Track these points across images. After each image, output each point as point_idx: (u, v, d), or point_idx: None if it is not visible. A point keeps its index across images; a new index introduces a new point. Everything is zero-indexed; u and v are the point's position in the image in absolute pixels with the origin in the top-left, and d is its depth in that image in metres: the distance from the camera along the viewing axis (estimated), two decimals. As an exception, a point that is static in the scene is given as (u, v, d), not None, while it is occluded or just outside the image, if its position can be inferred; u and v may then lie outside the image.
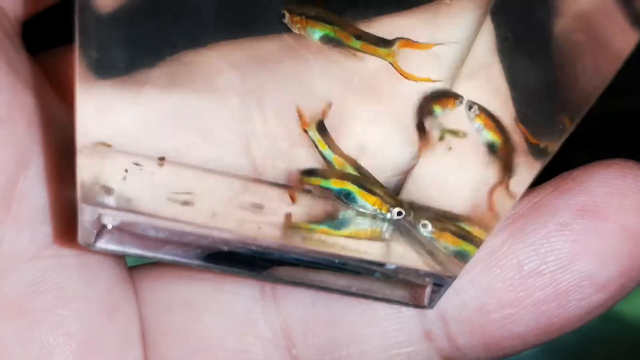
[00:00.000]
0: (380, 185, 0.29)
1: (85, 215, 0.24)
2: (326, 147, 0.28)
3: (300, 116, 0.28)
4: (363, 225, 0.29)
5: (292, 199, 0.29)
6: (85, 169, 0.24)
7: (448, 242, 0.27)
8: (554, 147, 0.24)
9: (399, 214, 0.28)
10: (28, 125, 0.27)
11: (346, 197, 0.28)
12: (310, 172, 0.28)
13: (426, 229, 0.28)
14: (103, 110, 0.26)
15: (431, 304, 0.27)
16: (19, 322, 0.27)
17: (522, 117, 0.27)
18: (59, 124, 0.28)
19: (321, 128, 0.28)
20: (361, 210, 0.28)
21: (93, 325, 0.27)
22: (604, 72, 0.22)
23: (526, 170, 0.25)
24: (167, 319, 0.29)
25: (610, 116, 0.24)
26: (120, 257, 0.29)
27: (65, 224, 0.28)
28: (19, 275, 0.27)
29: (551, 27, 0.25)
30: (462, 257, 0.27)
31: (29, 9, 0.30)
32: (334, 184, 0.28)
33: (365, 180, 0.28)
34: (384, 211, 0.28)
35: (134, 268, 0.30)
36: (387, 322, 0.28)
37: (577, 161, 0.28)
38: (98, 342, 0.27)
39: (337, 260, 0.26)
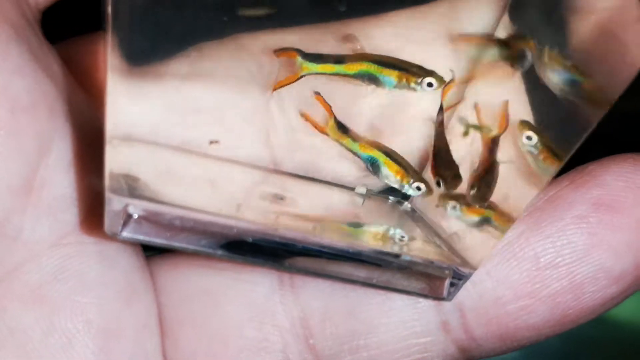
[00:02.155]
0: (407, 162, 0.29)
1: (113, 205, 0.25)
2: (351, 142, 0.28)
3: (310, 122, 0.28)
4: (374, 227, 0.29)
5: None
6: (114, 159, 0.24)
7: (474, 215, 0.28)
8: (571, 147, 0.24)
9: (418, 188, 0.28)
10: (49, 113, 0.27)
11: (371, 165, 0.28)
12: (341, 127, 0.28)
13: (455, 210, 0.28)
14: (133, 101, 0.26)
15: (450, 296, 0.27)
16: (39, 309, 0.27)
17: (538, 116, 0.27)
18: (79, 112, 0.28)
19: (340, 127, 0.28)
20: (384, 180, 0.28)
21: (112, 313, 0.28)
22: (622, 78, 0.23)
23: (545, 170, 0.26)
24: (185, 307, 0.29)
25: (612, 119, 0.25)
26: (137, 246, 0.29)
27: (86, 211, 0.28)
28: (39, 263, 0.27)
29: (569, 27, 0.26)
30: (487, 222, 0.27)
31: None
32: (362, 149, 0.28)
33: (392, 152, 0.28)
34: (404, 182, 0.28)
35: (152, 257, 0.30)
36: (405, 313, 0.28)
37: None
38: (117, 329, 0.28)
39: (356, 252, 0.26)
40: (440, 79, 0.27)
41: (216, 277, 0.29)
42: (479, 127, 0.28)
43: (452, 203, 0.28)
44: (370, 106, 0.29)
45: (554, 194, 0.28)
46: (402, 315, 0.28)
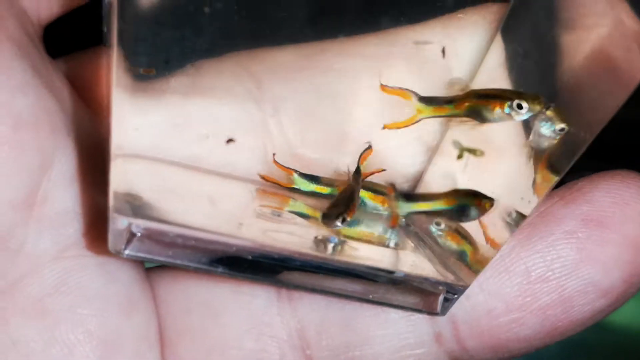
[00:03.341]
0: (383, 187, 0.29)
1: (116, 224, 0.25)
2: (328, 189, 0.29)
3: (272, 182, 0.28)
4: (372, 229, 0.30)
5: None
6: (118, 179, 0.25)
7: (453, 242, 0.29)
8: (566, 164, 0.25)
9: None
10: (51, 128, 0.27)
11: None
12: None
13: (439, 226, 0.29)
14: (137, 120, 0.26)
15: (443, 311, 0.28)
16: (40, 321, 0.27)
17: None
18: (80, 127, 0.29)
19: (309, 178, 0.29)
20: (374, 212, 0.29)
21: (112, 324, 0.28)
22: (618, 96, 0.23)
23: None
24: (184, 319, 0.30)
25: (612, 127, 0.25)
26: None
27: (87, 225, 0.28)
28: (41, 275, 0.28)
29: (563, 47, 0.26)
30: (461, 257, 0.28)
31: (50, 13, 0.30)
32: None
33: (369, 183, 0.29)
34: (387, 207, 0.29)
35: (152, 269, 0.30)
36: (399, 325, 0.29)
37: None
38: (117, 341, 0.28)
39: (352, 268, 0.27)
40: (533, 100, 0.27)
41: (215, 289, 0.30)
42: (473, 150, 0.29)
43: (436, 220, 0.29)
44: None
45: (544, 210, 0.28)
46: (397, 327, 0.29)
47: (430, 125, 0.29)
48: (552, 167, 0.26)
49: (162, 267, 0.30)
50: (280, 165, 0.28)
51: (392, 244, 0.29)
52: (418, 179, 0.30)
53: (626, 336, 0.62)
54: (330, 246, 0.28)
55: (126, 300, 0.29)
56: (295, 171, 0.28)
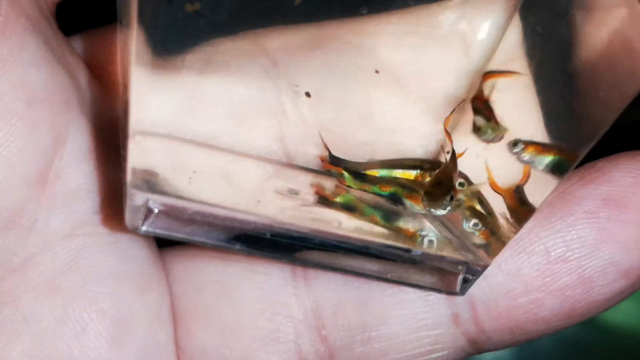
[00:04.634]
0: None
1: (134, 200, 0.25)
2: (372, 187, 0.28)
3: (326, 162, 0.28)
4: (408, 224, 0.29)
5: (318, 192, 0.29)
6: (136, 155, 0.24)
7: (482, 238, 0.28)
8: (587, 146, 0.25)
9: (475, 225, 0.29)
10: (65, 105, 0.27)
11: (394, 200, 0.28)
12: (358, 176, 0.28)
13: (477, 227, 0.28)
14: (156, 97, 0.26)
15: (462, 291, 0.27)
16: (53, 299, 0.27)
17: (550, 117, 0.28)
18: (94, 104, 0.29)
19: (357, 177, 0.28)
20: (410, 209, 0.29)
21: (125, 303, 0.28)
22: (634, 83, 0.23)
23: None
24: (198, 298, 0.29)
25: (615, 127, 0.25)
26: (151, 238, 0.30)
27: (100, 203, 0.28)
28: (54, 253, 0.27)
29: (581, 29, 0.26)
30: (489, 251, 0.28)
31: None
32: (383, 189, 0.28)
33: (408, 182, 0.28)
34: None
35: (165, 248, 0.30)
36: (417, 305, 0.28)
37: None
38: (130, 319, 0.28)
39: (370, 246, 0.27)
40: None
41: (229, 268, 0.29)
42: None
43: (474, 221, 0.29)
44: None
45: (564, 190, 0.28)
46: (414, 308, 0.28)
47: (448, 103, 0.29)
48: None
49: (176, 246, 0.30)
50: (332, 166, 0.28)
51: (426, 243, 0.29)
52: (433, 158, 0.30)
53: (622, 336, 0.62)
54: (426, 240, 0.28)
55: (139, 278, 0.28)
56: (345, 169, 0.28)
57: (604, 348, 0.62)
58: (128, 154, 0.25)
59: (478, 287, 0.28)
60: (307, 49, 0.29)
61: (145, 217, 0.25)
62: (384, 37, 0.29)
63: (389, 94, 0.30)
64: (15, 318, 0.27)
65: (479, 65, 0.29)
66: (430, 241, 0.28)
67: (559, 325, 0.28)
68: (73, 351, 0.27)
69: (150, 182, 0.25)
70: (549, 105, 0.28)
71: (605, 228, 0.27)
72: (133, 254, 0.29)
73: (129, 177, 0.25)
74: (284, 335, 0.29)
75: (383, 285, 0.29)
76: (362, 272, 0.27)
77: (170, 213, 0.25)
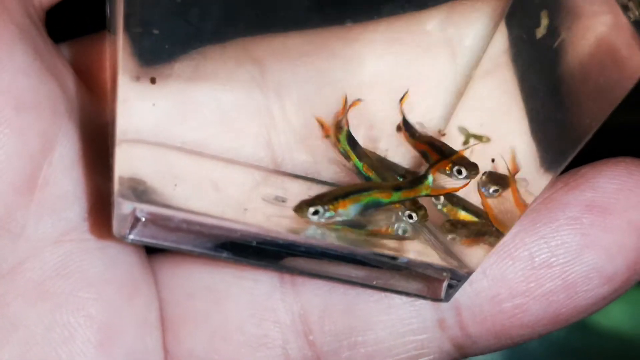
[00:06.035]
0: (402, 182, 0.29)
1: (121, 209, 0.25)
2: (356, 158, 0.29)
3: (322, 125, 0.28)
4: (382, 223, 0.30)
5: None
6: (123, 164, 0.25)
7: (465, 246, 0.29)
8: (572, 152, 0.25)
9: (410, 217, 0.29)
10: (53, 112, 0.27)
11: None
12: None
13: (454, 240, 0.29)
14: (142, 106, 0.26)
15: (447, 297, 0.28)
16: (41, 304, 0.27)
17: (535, 123, 0.28)
18: (83, 111, 0.29)
19: (350, 140, 0.29)
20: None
21: (113, 308, 0.28)
22: (624, 85, 0.23)
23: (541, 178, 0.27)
24: (187, 304, 0.29)
25: (610, 132, 0.25)
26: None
27: (88, 209, 0.28)
28: (42, 259, 0.27)
29: (567, 36, 0.26)
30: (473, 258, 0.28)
31: None
32: (365, 171, 0.28)
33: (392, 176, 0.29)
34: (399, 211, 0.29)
35: (154, 254, 0.30)
36: (402, 310, 0.29)
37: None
38: (118, 324, 0.28)
39: (355, 254, 0.27)
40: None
41: (218, 274, 0.29)
42: (478, 136, 0.29)
43: (451, 235, 0.29)
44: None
45: (548, 196, 0.28)
46: (400, 313, 0.29)
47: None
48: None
49: (164, 252, 0.30)
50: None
51: (400, 232, 0.29)
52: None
53: (612, 339, 0.62)
54: (400, 230, 0.28)
55: (127, 284, 0.28)
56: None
57: (594, 351, 0.63)
58: (115, 162, 0.25)
59: (463, 292, 0.28)
60: (295, 57, 0.29)
61: (133, 226, 0.25)
62: (371, 45, 0.29)
63: (376, 102, 0.30)
64: (3, 324, 0.27)
65: (466, 72, 0.30)
66: (405, 230, 0.28)
67: (544, 330, 0.29)
68: (61, 356, 0.27)
69: (137, 191, 0.25)
70: (535, 111, 0.28)
71: (589, 234, 0.28)
72: (121, 260, 0.29)
73: (115, 185, 0.25)
74: (272, 340, 0.29)
75: (369, 291, 0.29)
76: (348, 279, 0.28)
77: (157, 221, 0.25)
